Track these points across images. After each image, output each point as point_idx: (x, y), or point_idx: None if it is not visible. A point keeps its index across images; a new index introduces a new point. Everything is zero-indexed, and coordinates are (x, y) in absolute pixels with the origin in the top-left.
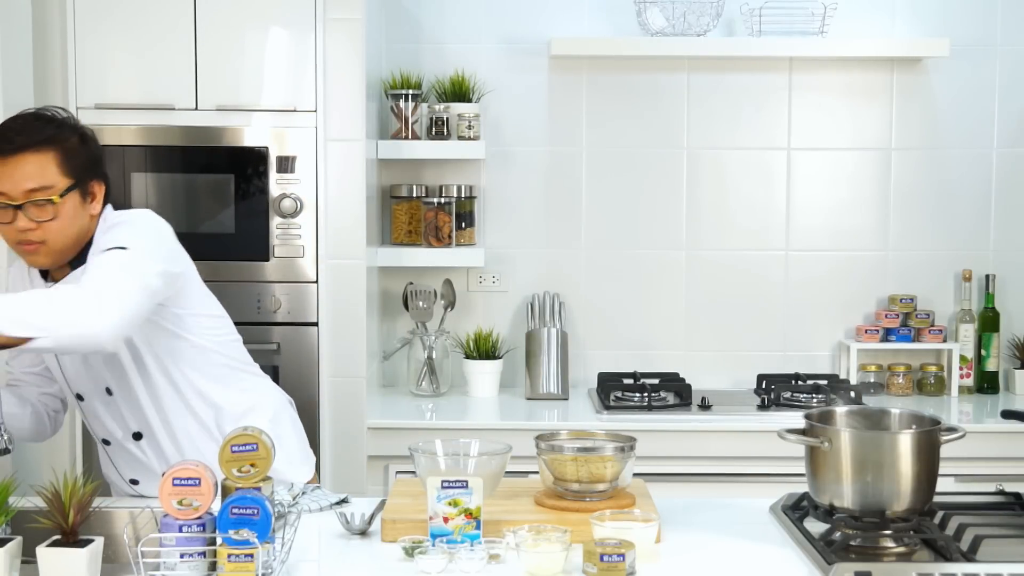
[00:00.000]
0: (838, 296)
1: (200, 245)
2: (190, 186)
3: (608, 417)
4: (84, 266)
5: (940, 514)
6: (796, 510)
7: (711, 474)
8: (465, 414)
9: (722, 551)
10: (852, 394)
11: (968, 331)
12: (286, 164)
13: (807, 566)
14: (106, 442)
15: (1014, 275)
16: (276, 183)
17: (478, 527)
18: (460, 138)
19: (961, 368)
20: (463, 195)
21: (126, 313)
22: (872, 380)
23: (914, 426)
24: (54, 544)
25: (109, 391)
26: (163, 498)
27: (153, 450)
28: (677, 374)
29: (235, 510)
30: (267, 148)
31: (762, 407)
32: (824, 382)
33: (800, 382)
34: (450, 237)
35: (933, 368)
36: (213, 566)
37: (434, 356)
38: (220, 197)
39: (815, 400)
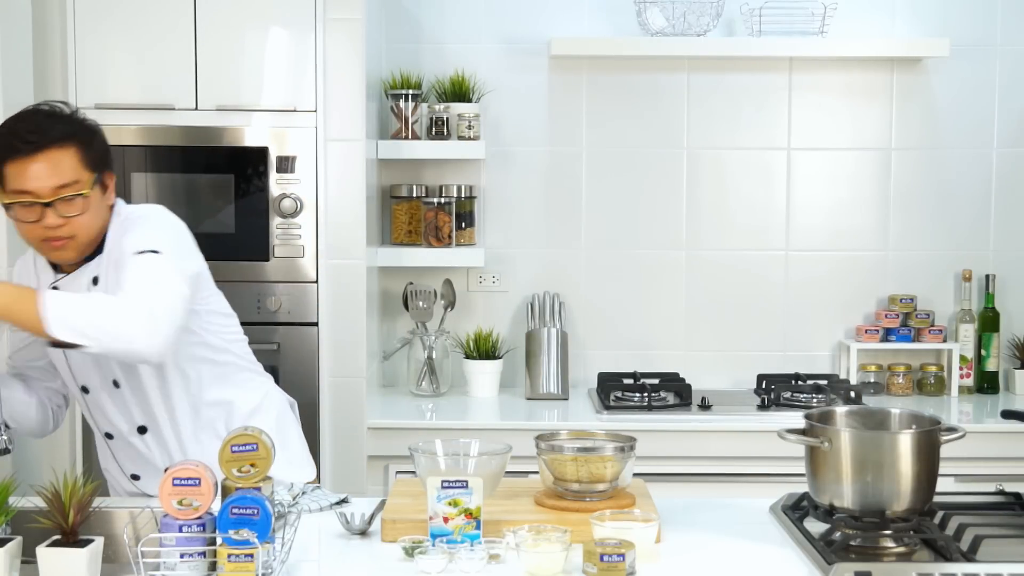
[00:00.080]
0: (838, 296)
1: (200, 245)
2: (190, 186)
3: (608, 417)
4: (100, 258)
5: (940, 514)
6: (796, 510)
7: (711, 474)
8: (465, 414)
9: (722, 551)
10: (852, 394)
11: (968, 331)
12: (286, 164)
13: (807, 566)
14: (109, 436)
15: (1014, 275)
16: (276, 183)
17: (478, 527)
18: (460, 138)
19: (961, 368)
20: (463, 195)
21: (174, 328)
22: (872, 380)
23: (914, 426)
24: (54, 544)
25: (116, 383)
26: (163, 498)
27: (157, 444)
28: (677, 374)
29: (235, 510)
30: (267, 148)
31: (762, 407)
32: (824, 382)
33: (800, 382)
34: (450, 237)
35: (933, 368)
36: (213, 566)
37: (434, 356)
38: (220, 197)
39: (815, 400)
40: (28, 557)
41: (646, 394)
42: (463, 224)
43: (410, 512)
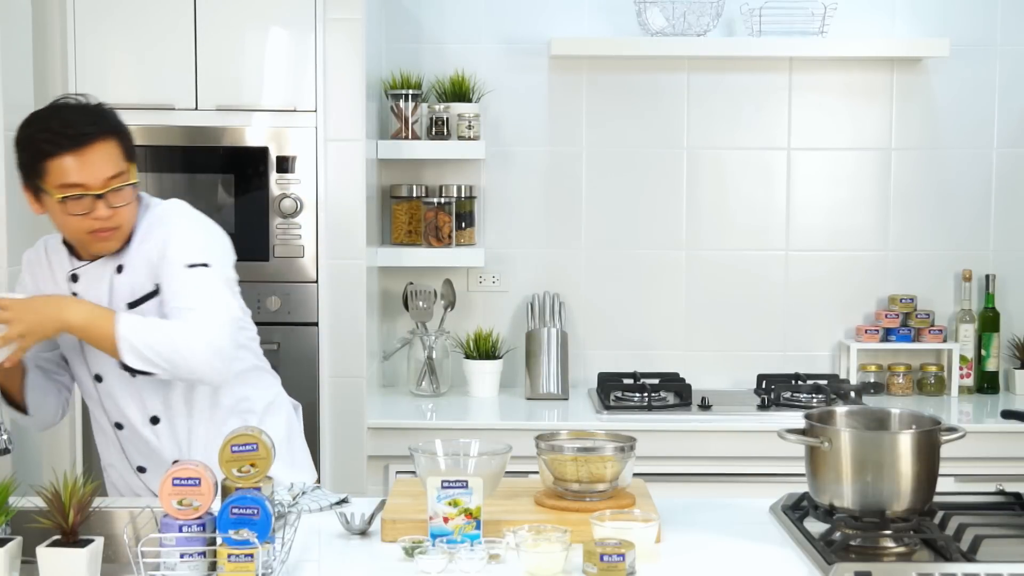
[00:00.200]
0: (838, 296)
1: None
2: (190, 186)
3: (608, 417)
4: (128, 248)
5: (940, 514)
6: (796, 510)
7: (711, 474)
8: (465, 414)
9: (722, 551)
10: (852, 394)
11: (968, 331)
12: (286, 164)
13: (807, 566)
14: (119, 426)
15: (1014, 275)
16: (276, 183)
17: (478, 527)
18: (460, 138)
19: (961, 368)
20: (463, 195)
21: (233, 349)
22: (872, 380)
23: (914, 426)
24: (54, 544)
25: (133, 372)
26: (163, 498)
27: (169, 436)
28: (677, 374)
29: (235, 510)
30: (267, 148)
31: (762, 407)
32: (824, 382)
33: (800, 382)
34: (450, 237)
35: (933, 368)
36: (213, 566)
37: (434, 356)
38: (220, 197)
39: (815, 400)
40: (28, 557)
41: (646, 394)
42: (463, 224)
43: (410, 512)
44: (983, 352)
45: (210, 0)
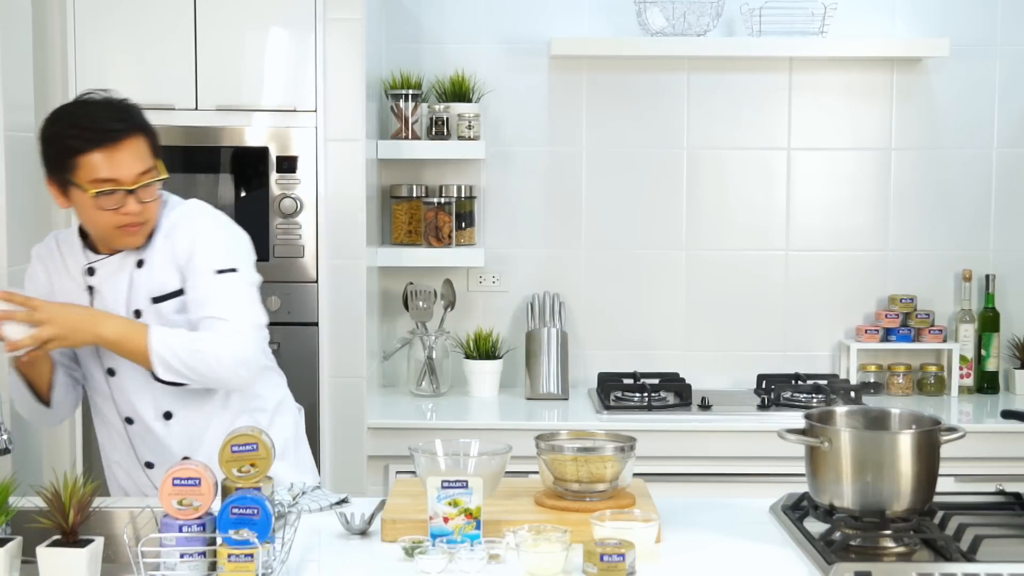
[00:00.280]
0: (838, 296)
1: None
2: (190, 186)
3: (608, 417)
4: (150, 243)
5: (940, 514)
6: (796, 510)
7: (711, 474)
8: (465, 414)
9: (722, 551)
10: (852, 394)
11: (968, 331)
12: (286, 164)
13: (807, 566)
14: (129, 421)
15: (1014, 275)
16: (276, 183)
17: (478, 527)
18: (460, 138)
19: (961, 368)
20: (463, 195)
21: (260, 356)
22: (872, 380)
23: (914, 426)
24: (54, 544)
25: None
26: (163, 498)
27: (181, 432)
28: (677, 374)
29: (235, 510)
30: (267, 148)
31: (762, 407)
32: (824, 382)
33: (800, 382)
34: (450, 237)
35: (933, 368)
36: (213, 566)
37: (434, 356)
38: (220, 197)
39: (815, 400)
40: (28, 557)
41: (646, 394)
42: (463, 224)
43: (410, 512)
44: (983, 352)
45: (210, 0)
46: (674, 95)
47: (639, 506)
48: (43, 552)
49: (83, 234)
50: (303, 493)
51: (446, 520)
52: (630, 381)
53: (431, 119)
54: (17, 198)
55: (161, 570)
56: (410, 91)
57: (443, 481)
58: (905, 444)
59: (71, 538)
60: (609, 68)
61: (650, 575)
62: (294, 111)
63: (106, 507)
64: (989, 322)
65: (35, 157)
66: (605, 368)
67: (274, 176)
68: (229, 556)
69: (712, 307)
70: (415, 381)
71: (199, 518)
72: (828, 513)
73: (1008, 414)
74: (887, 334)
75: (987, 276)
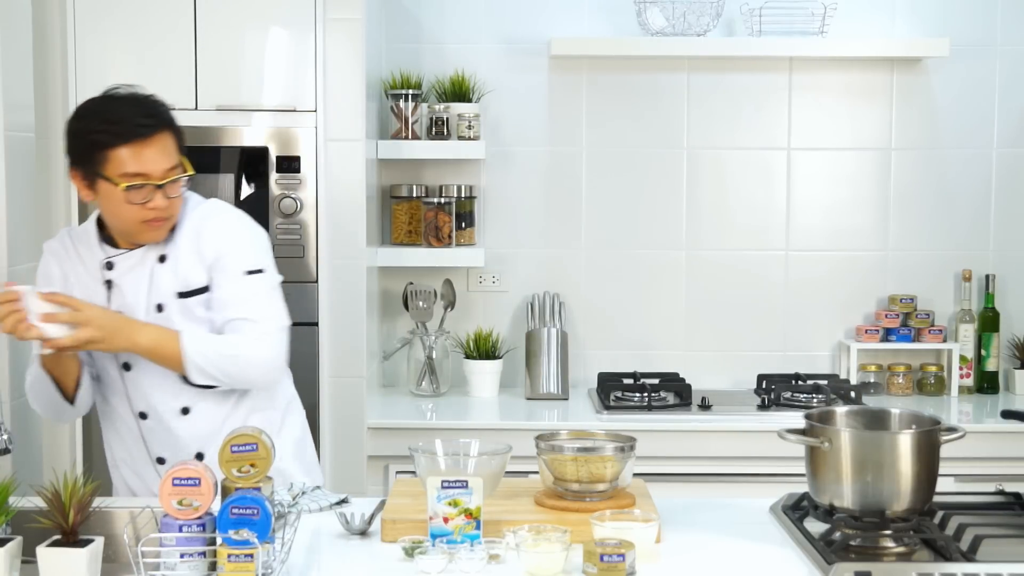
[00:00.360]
0: (838, 296)
1: None
2: (190, 186)
3: (608, 417)
4: (173, 238)
5: (940, 514)
6: (796, 510)
7: (711, 474)
8: (465, 414)
9: (722, 551)
10: (852, 394)
11: (968, 331)
12: (286, 164)
13: (807, 566)
14: (143, 416)
15: (1014, 275)
16: (276, 183)
17: (478, 527)
18: (460, 138)
19: (961, 368)
20: (463, 195)
21: (285, 356)
22: (872, 380)
23: (914, 426)
24: (54, 544)
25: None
26: (163, 498)
27: (198, 426)
28: (677, 374)
29: (235, 510)
30: (267, 148)
31: (762, 407)
32: (824, 382)
33: (800, 382)
34: (450, 237)
35: (933, 368)
36: (213, 566)
37: (434, 356)
38: (220, 197)
39: (815, 400)
40: (28, 557)
41: (646, 394)
42: (463, 224)
43: (410, 512)
44: (983, 352)
45: (210, 0)
46: (674, 95)
47: (639, 506)
48: (43, 552)
49: (99, 228)
50: (303, 493)
51: (446, 520)
52: (630, 381)
53: (431, 119)
54: (17, 198)
55: (161, 570)
56: (410, 91)
57: (443, 481)
58: (905, 444)
59: (71, 538)
60: (609, 68)
61: (650, 575)
62: (294, 111)
63: (106, 507)
64: (989, 322)
65: (35, 157)
66: (605, 368)
67: (274, 176)
68: (229, 556)
69: (712, 307)
70: (415, 381)
71: (199, 518)
72: (828, 513)
73: (1008, 414)
74: (887, 334)
75: (987, 276)
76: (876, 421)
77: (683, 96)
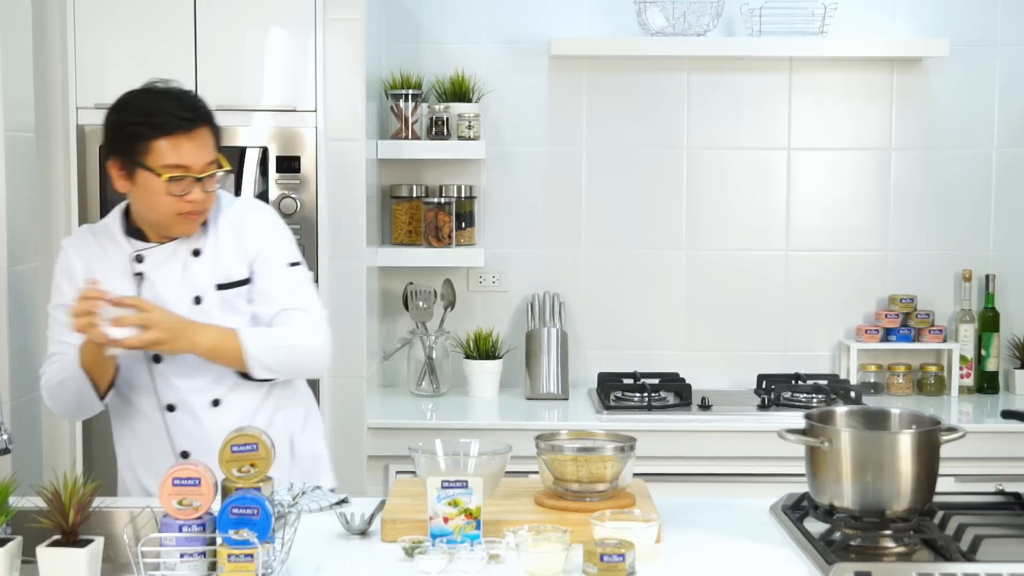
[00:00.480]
0: (838, 296)
1: None
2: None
3: (608, 417)
4: (205, 232)
5: (940, 514)
6: (796, 510)
7: (711, 474)
8: (465, 414)
9: (722, 551)
10: (852, 394)
11: (968, 331)
12: (286, 164)
13: (807, 566)
14: (171, 408)
15: (1014, 275)
16: (276, 183)
17: (478, 527)
18: (460, 138)
19: (961, 368)
20: (463, 195)
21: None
22: (872, 380)
23: (914, 426)
24: (54, 544)
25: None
26: (163, 498)
27: (228, 419)
28: (677, 374)
29: (235, 510)
30: (267, 148)
31: (762, 407)
32: (824, 382)
33: (800, 382)
34: (450, 237)
35: (933, 368)
36: (213, 566)
37: (434, 356)
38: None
39: (815, 400)
40: (28, 557)
41: (646, 394)
42: (463, 224)
43: (410, 512)
44: (983, 352)
45: (210, 0)
46: (674, 95)
47: (639, 506)
48: (43, 552)
49: (137, 220)
50: (303, 493)
51: (446, 520)
52: (630, 381)
53: (431, 119)
54: (17, 198)
55: (161, 570)
56: (410, 91)
57: (443, 481)
58: (905, 444)
59: (71, 538)
60: (609, 68)
61: (650, 575)
62: (294, 111)
63: (106, 507)
64: (989, 322)
65: (35, 157)
66: (605, 368)
67: (274, 176)
68: (229, 556)
69: (712, 307)
70: (415, 381)
71: (199, 518)
72: (828, 513)
73: (1008, 414)
74: (887, 334)
75: (987, 276)
76: (876, 421)
77: (683, 96)
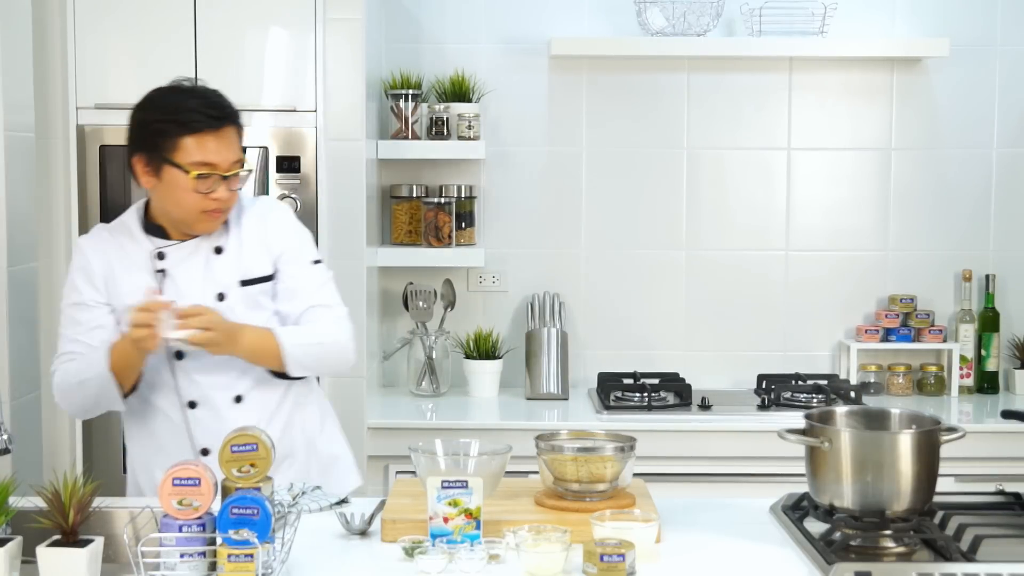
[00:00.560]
0: (838, 296)
1: None
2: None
3: (608, 417)
4: (227, 230)
5: (940, 514)
6: (796, 510)
7: (711, 474)
8: (465, 414)
9: (722, 551)
10: (852, 394)
11: (968, 331)
12: (286, 164)
13: (807, 566)
14: (192, 405)
15: (1014, 275)
16: (276, 183)
17: (478, 527)
18: (460, 138)
19: (961, 368)
20: (463, 195)
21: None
22: (872, 380)
23: (914, 426)
24: (54, 544)
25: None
26: (163, 498)
27: (251, 415)
28: (677, 374)
29: (235, 510)
30: (267, 148)
31: (762, 407)
32: (824, 382)
33: (800, 382)
34: (450, 237)
35: (933, 368)
36: (213, 566)
37: (434, 356)
38: None
39: (815, 400)
40: (28, 557)
41: (646, 394)
42: (463, 224)
43: (410, 512)
44: (983, 352)
45: (210, 0)
46: (674, 95)
47: (639, 506)
48: (43, 552)
49: (158, 217)
50: (303, 493)
51: (446, 520)
52: (630, 381)
53: (431, 119)
54: (17, 198)
55: (161, 570)
56: (410, 91)
57: (443, 481)
58: (905, 444)
59: (71, 538)
60: (609, 68)
61: (650, 575)
62: (294, 111)
63: (106, 507)
64: (989, 322)
65: (35, 157)
66: (605, 368)
67: (274, 176)
68: (229, 556)
69: (712, 307)
70: (415, 381)
71: (199, 518)
72: (828, 513)
73: (1008, 414)
74: (887, 334)
75: (987, 276)
76: (876, 421)
77: (683, 96)
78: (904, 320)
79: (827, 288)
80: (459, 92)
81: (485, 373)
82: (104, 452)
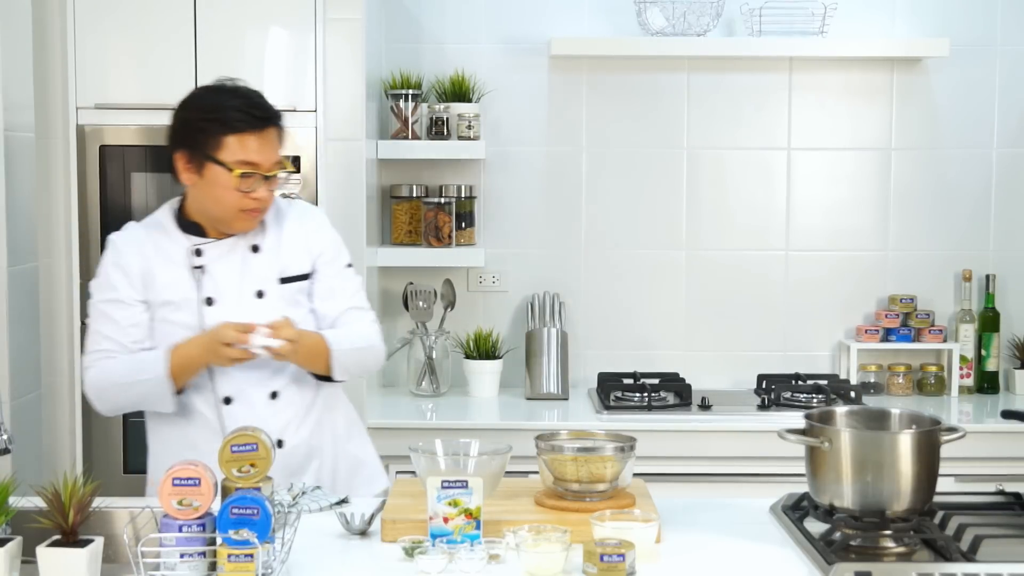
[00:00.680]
0: (838, 296)
1: None
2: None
3: (608, 417)
4: (264, 230)
5: (940, 514)
6: (796, 510)
7: (711, 474)
8: (465, 414)
9: (722, 551)
10: (852, 394)
11: (968, 331)
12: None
13: (807, 566)
14: (227, 401)
15: (1014, 275)
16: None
17: (478, 527)
18: (460, 138)
19: (961, 368)
20: (463, 195)
21: None
22: (872, 380)
23: (914, 426)
24: (54, 544)
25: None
26: (163, 498)
27: (285, 412)
28: (677, 374)
29: (235, 510)
30: None
31: (762, 407)
32: (824, 382)
33: (800, 382)
34: (450, 237)
35: (933, 368)
36: (213, 566)
37: (434, 356)
38: None
39: (815, 400)
40: (28, 557)
41: (646, 394)
42: (463, 224)
43: (410, 512)
44: (983, 352)
45: (210, 0)
46: (674, 95)
47: (639, 506)
48: (43, 552)
49: (195, 215)
50: (303, 493)
51: (446, 520)
52: (630, 381)
53: (431, 119)
54: (17, 198)
55: (161, 570)
56: (410, 91)
57: (443, 481)
58: (905, 444)
59: (71, 538)
60: (609, 68)
61: (650, 575)
62: (294, 111)
63: (106, 507)
64: (989, 322)
65: (35, 157)
66: (605, 368)
67: None
68: (229, 556)
69: (712, 307)
70: (415, 381)
71: (199, 518)
72: (828, 513)
73: (1008, 414)
74: (887, 334)
75: (987, 276)
76: (876, 421)
77: (683, 96)
78: (904, 320)
79: (827, 288)
80: (459, 92)
81: (485, 373)
82: (104, 452)
